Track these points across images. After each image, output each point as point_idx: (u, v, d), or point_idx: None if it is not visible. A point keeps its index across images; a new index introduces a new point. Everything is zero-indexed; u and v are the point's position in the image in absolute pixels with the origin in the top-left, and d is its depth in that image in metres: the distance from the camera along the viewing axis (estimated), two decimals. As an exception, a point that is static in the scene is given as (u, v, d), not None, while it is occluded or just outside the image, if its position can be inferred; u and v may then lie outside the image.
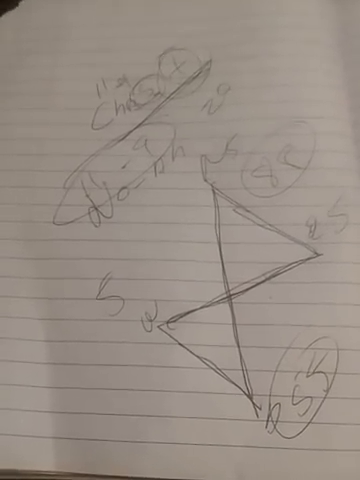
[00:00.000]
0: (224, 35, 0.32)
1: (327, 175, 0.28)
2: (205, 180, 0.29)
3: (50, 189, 0.29)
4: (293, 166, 0.29)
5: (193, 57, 0.32)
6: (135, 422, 0.24)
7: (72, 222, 0.28)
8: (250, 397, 0.24)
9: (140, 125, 0.31)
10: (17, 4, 0.35)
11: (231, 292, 0.26)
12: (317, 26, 0.32)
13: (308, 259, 0.27)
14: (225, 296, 0.26)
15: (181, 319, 0.26)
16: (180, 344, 0.25)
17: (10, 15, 0.35)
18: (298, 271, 0.26)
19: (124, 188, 0.29)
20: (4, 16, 0.34)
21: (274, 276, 0.26)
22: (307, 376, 0.24)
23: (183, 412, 0.24)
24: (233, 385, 0.25)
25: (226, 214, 0.28)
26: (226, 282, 0.27)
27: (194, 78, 0.32)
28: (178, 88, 0.31)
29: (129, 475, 0.24)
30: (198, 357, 0.25)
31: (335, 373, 0.24)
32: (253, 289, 0.26)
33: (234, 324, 0.26)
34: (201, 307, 0.26)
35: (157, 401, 0.25)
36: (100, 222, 0.28)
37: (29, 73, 0.33)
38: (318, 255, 0.27)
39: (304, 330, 0.25)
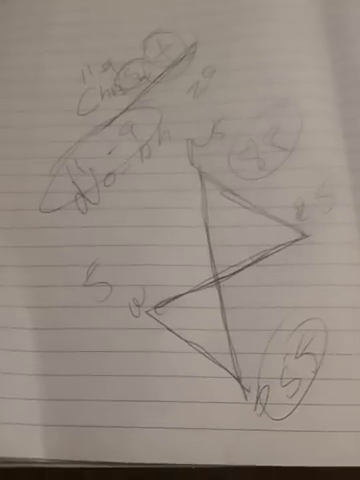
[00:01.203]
0: (209, 17, 0.32)
1: (314, 156, 0.28)
2: (192, 164, 0.29)
3: (36, 176, 0.29)
4: (280, 148, 0.28)
5: (178, 40, 0.32)
6: (124, 407, 0.24)
7: (59, 209, 0.28)
8: (239, 380, 0.24)
9: (126, 110, 0.30)
10: (2, -9, 0.35)
11: (219, 276, 0.26)
12: (303, 5, 0.31)
13: (296, 241, 0.26)
14: (213, 280, 0.26)
15: (169, 304, 0.26)
16: (168, 329, 0.25)
17: (-5, 3, 0.34)
18: (286, 253, 0.26)
19: (110, 174, 0.29)
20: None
21: (262, 259, 0.26)
22: (295, 358, 0.24)
23: (172, 396, 0.24)
24: (221, 368, 0.25)
25: (213, 198, 0.28)
26: (214, 266, 0.26)
27: (179, 61, 0.31)
28: (163, 72, 0.31)
29: (119, 460, 0.24)
30: (186, 341, 0.25)
31: (323, 354, 0.24)
32: (241, 272, 0.26)
33: (222, 308, 0.26)
34: (189, 291, 0.26)
35: (146, 386, 0.25)
36: (87, 208, 0.28)
37: (14, 60, 0.32)
38: (306, 236, 0.27)
39: (292, 312, 0.25)
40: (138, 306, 0.26)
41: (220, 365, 0.25)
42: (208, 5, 0.32)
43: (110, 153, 0.29)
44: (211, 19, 0.32)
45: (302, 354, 0.24)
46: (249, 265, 0.26)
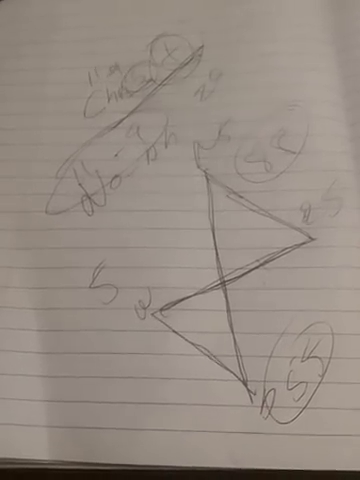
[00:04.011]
0: (216, 21, 0.32)
1: (321, 159, 0.28)
2: (198, 167, 0.29)
3: (43, 178, 0.29)
4: (287, 151, 0.28)
5: (185, 43, 0.32)
6: (129, 409, 0.24)
7: (65, 211, 0.28)
8: (245, 383, 0.24)
9: (132, 112, 0.30)
10: (9, -6, 0.35)
11: (225, 278, 0.26)
12: (310, 10, 0.32)
13: (302, 244, 0.26)
14: (219, 282, 0.26)
15: (175, 306, 0.26)
16: (174, 331, 0.25)
17: (2, 6, 0.34)
18: (292, 256, 0.26)
19: (117, 176, 0.29)
20: (-4, 7, 0.34)
21: (268, 261, 0.26)
22: (302, 361, 0.24)
23: (178, 399, 0.24)
24: (227, 371, 0.25)
25: (219, 200, 0.28)
26: (220, 268, 0.26)
27: (186, 64, 0.31)
28: (170, 74, 0.31)
29: (124, 462, 0.24)
30: (192, 344, 0.25)
31: (330, 358, 0.24)
32: (247, 275, 0.26)
33: (228, 310, 0.26)
34: (195, 294, 0.26)
35: (152, 388, 0.24)
36: (93, 210, 0.28)
37: (21, 63, 0.33)
38: (312, 239, 0.26)
39: (298, 315, 0.25)
40: (144, 308, 0.26)
41: (226, 368, 0.25)
42: (214, 9, 0.33)
43: (116, 155, 0.29)
44: (218, 23, 0.32)
45: (308, 358, 0.24)
46: (255, 268, 0.26)
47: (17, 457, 0.24)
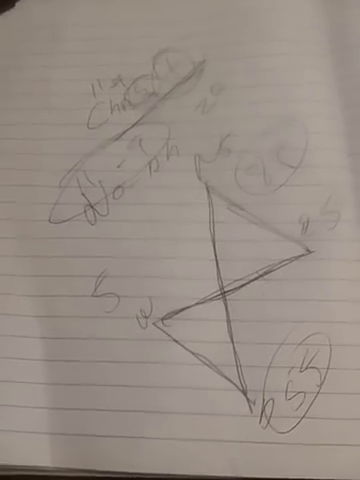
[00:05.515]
0: (217, 36, 0.33)
1: (319, 173, 0.29)
2: (199, 179, 0.29)
3: (46, 188, 0.29)
4: (286, 164, 0.29)
5: (187, 58, 0.32)
6: (130, 418, 0.25)
7: (68, 220, 0.29)
8: (244, 392, 0.25)
9: (135, 125, 0.31)
10: (13, 5, 0.35)
11: (225, 289, 0.27)
12: (309, 25, 0.32)
13: (301, 256, 0.27)
14: (219, 293, 0.27)
15: (176, 316, 0.26)
16: (175, 340, 0.26)
17: (6, 16, 0.35)
18: (291, 268, 0.27)
19: (119, 187, 0.29)
20: (0, 17, 0.35)
21: (267, 273, 0.27)
22: (300, 371, 0.25)
23: (178, 408, 0.25)
24: (227, 381, 0.25)
25: (220, 212, 0.28)
26: (220, 279, 0.27)
27: (188, 78, 0.32)
28: (172, 88, 0.32)
29: (124, 470, 0.24)
30: (192, 353, 0.25)
31: (328, 368, 0.25)
32: (247, 286, 0.27)
33: (228, 320, 0.26)
34: (195, 304, 0.26)
35: (152, 397, 0.25)
36: (96, 220, 0.29)
37: (25, 74, 0.33)
38: (310, 252, 0.27)
39: (297, 326, 0.25)
40: (145, 317, 0.26)
41: (226, 377, 0.25)
42: (216, 24, 0.33)
43: (119, 166, 0.30)
44: (219, 38, 0.33)
45: (307, 368, 0.25)
46: (255, 279, 0.27)
47: (19, 464, 0.24)
